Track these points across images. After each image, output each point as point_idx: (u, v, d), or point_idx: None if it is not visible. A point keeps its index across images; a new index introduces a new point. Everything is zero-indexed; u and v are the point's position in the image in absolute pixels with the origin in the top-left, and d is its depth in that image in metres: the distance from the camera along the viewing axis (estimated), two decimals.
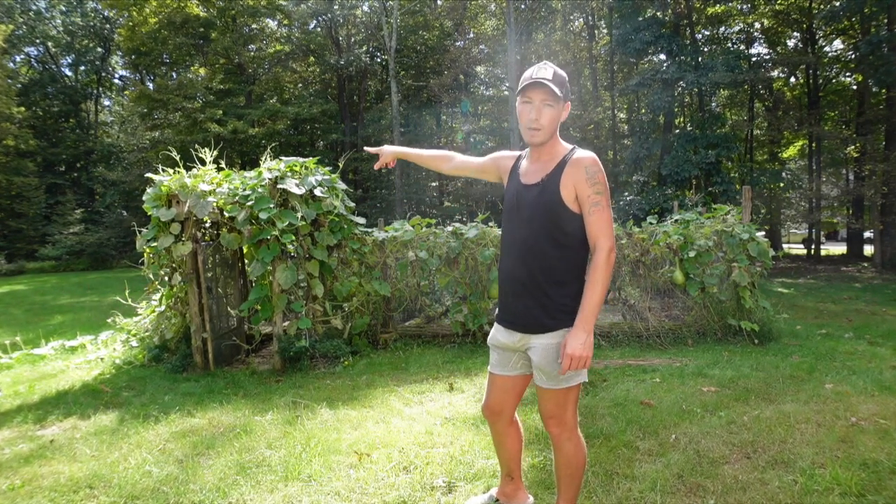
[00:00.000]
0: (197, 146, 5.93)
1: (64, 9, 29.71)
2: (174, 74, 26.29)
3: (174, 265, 5.15)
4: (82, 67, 30.88)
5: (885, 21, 14.33)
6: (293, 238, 4.87)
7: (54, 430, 3.62)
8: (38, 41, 28.71)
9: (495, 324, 2.13)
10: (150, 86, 25.94)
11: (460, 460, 2.89)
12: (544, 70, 1.88)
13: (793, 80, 20.72)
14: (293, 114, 21.89)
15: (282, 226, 4.77)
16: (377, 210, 22.22)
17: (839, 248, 24.58)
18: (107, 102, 34.35)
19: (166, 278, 5.27)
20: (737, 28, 19.94)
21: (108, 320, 6.53)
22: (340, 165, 6.20)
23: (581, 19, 24.80)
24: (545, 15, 22.14)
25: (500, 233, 5.70)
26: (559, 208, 1.88)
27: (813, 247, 19.84)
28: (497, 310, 2.12)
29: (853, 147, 17.38)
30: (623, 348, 5.40)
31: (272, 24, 26.53)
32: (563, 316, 1.92)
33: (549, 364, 1.93)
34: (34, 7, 28.22)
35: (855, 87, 18.48)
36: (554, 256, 1.91)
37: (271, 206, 4.80)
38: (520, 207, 1.97)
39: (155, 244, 4.98)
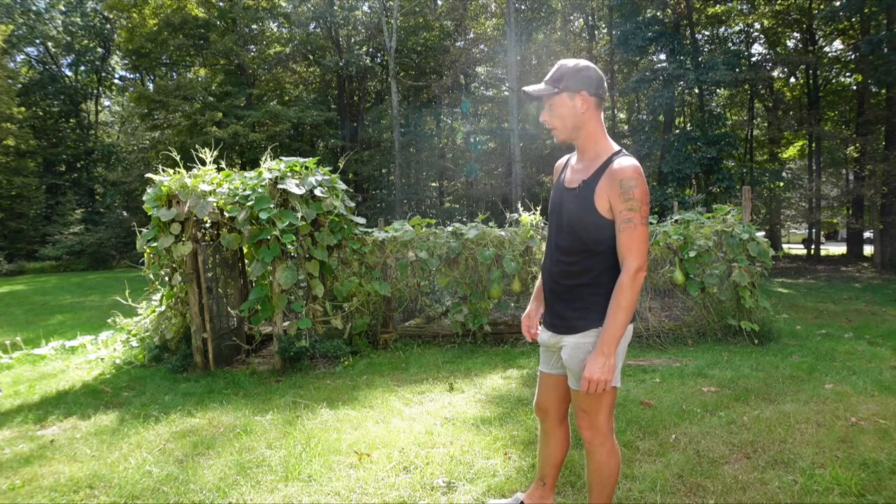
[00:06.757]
0: (197, 147, 5.94)
1: (64, 9, 29.71)
2: (174, 75, 26.28)
3: (174, 265, 5.16)
4: (82, 67, 30.88)
5: (885, 21, 14.33)
6: (293, 238, 4.87)
7: (54, 430, 3.62)
8: (38, 41, 28.69)
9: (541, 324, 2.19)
10: (150, 86, 25.93)
11: (460, 460, 2.89)
12: (548, 73, 1.91)
13: (793, 80, 20.72)
14: (294, 117, 21.85)
15: (282, 226, 4.77)
16: (377, 210, 22.22)
17: (839, 248, 24.58)
18: (107, 102, 34.35)
19: (166, 278, 5.28)
20: (737, 28, 19.97)
21: (109, 320, 6.54)
22: (340, 166, 6.20)
23: (581, 19, 24.80)
24: (545, 15, 22.14)
25: (499, 233, 5.73)
26: (592, 215, 1.82)
27: (813, 247, 19.82)
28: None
29: (853, 147, 17.38)
30: None
31: (272, 25, 26.53)
32: (593, 315, 1.86)
33: (576, 364, 1.88)
34: (34, 7, 28.22)
35: (855, 87, 18.48)
36: (585, 259, 1.87)
37: (271, 206, 4.80)
38: (559, 210, 1.97)
39: (155, 244, 4.98)
